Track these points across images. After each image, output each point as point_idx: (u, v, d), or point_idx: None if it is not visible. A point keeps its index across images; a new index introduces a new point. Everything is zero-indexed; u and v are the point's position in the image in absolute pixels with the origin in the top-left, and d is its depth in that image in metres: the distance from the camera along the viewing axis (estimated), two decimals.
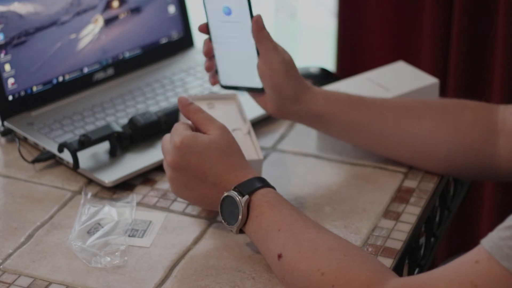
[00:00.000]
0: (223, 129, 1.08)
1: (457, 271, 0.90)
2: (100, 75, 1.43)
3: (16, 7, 1.33)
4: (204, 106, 1.26)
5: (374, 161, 1.27)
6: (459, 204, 1.36)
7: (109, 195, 1.22)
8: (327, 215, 1.17)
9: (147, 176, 1.26)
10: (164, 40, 1.50)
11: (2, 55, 1.32)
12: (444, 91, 1.76)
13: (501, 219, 0.90)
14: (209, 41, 1.21)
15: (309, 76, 1.47)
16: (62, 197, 1.22)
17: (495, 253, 0.86)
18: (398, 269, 1.09)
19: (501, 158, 1.19)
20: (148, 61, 1.48)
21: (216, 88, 1.43)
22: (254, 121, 1.34)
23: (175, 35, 1.51)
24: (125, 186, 1.24)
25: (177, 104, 1.32)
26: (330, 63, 2.05)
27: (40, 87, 1.37)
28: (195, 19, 1.54)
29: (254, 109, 1.31)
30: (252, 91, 1.22)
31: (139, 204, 1.20)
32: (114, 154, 1.27)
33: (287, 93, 1.18)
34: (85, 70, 1.41)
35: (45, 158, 1.28)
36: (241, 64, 1.20)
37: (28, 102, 1.36)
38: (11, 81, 1.34)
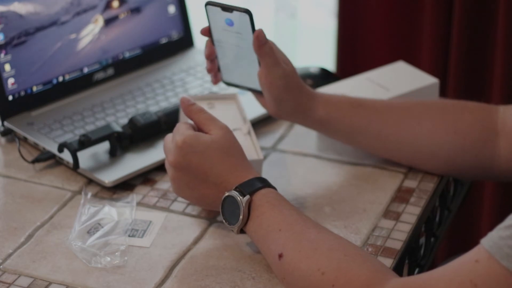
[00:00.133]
0: (225, 129, 1.09)
1: (457, 271, 0.90)
2: (100, 75, 1.43)
3: (16, 7, 1.33)
4: (204, 106, 1.26)
5: (374, 161, 1.27)
6: (459, 204, 1.36)
7: (109, 195, 1.22)
8: (327, 215, 1.17)
9: (147, 176, 1.26)
10: (164, 40, 1.50)
11: (2, 55, 1.32)
12: (444, 91, 1.76)
13: (501, 219, 0.90)
14: (211, 44, 1.20)
15: (309, 76, 1.47)
16: (62, 197, 1.22)
17: (495, 252, 0.86)
18: (398, 269, 1.09)
19: (501, 159, 1.19)
20: (148, 61, 1.48)
21: (216, 88, 1.43)
22: (254, 121, 1.34)
23: (175, 35, 1.51)
24: (125, 186, 1.24)
25: (177, 104, 1.33)
26: (330, 63, 2.05)
27: (40, 87, 1.37)
28: (195, 19, 1.54)
29: (254, 109, 1.31)
30: (253, 91, 1.22)
31: (139, 204, 1.20)
32: (114, 154, 1.27)
33: (288, 103, 1.19)
34: (85, 70, 1.41)
35: (45, 158, 1.28)
36: (242, 68, 1.20)
37: (28, 102, 1.36)
38: (11, 81, 1.34)
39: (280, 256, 0.99)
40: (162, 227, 1.15)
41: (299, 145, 1.33)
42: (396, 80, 1.36)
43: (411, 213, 1.17)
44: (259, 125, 1.35)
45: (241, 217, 1.04)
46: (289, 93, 1.18)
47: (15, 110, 1.35)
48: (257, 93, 1.22)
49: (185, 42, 1.52)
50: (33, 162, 1.27)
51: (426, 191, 1.21)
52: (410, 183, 1.23)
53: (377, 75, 1.38)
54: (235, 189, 1.04)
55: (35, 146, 1.31)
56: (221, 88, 1.42)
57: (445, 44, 1.77)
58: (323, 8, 2.41)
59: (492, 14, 1.70)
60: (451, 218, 1.33)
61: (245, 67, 1.19)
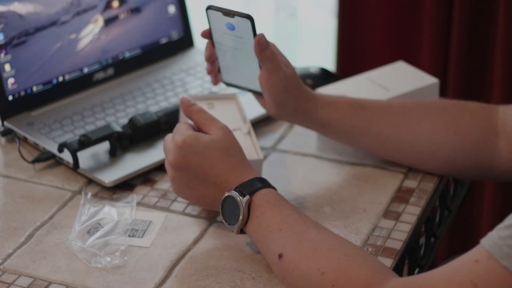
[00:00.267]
0: (225, 129, 1.09)
1: (457, 271, 0.90)
2: (100, 75, 1.43)
3: (16, 7, 1.33)
4: (204, 106, 1.26)
5: (374, 161, 1.27)
6: (459, 204, 1.36)
7: (109, 195, 1.22)
8: (327, 215, 1.17)
9: (147, 176, 1.26)
10: (164, 40, 1.50)
11: (2, 55, 1.32)
12: (444, 91, 1.76)
13: (501, 219, 0.90)
14: (211, 46, 1.20)
15: (309, 76, 1.47)
16: (62, 197, 1.22)
17: (495, 252, 0.87)
18: (398, 269, 1.09)
19: (501, 159, 1.19)
20: (148, 61, 1.48)
21: (216, 88, 1.43)
22: (254, 121, 1.34)
23: (175, 35, 1.51)
24: (125, 186, 1.24)
25: (177, 104, 1.33)
26: (330, 63, 2.05)
27: (40, 87, 1.37)
28: (195, 19, 1.54)
29: (254, 109, 1.31)
30: (253, 92, 1.22)
31: (139, 204, 1.20)
32: (114, 154, 1.27)
33: (288, 105, 1.19)
34: (85, 70, 1.41)
35: (45, 158, 1.28)
36: (243, 69, 1.20)
37: (28, 102, 1.36)
38: (11, 81, 1.34)
39: (280, 256, 0.99)
40: (162, 227, 1.15)
41: (299, 145, 1.33)
42: (396, 80, 1.36)
43: (411, 213, 1.17)
44: (259, 125, 1.35)
45: (241, 217, 1.04)
46: (290, 95, 1.18)
47: (15, 110, 1.35)
48: (257, 94, 1.22)
49: (185, 42, 1.52)
50: (33, 162, 1.27)
51: (426, 191, 1.21)
52: (410, 183, 1.23)
53: (377, 75, 1.38)
54: (235, 189, 1.04)
55: (35, 146, 1.31)
56: (221, 88, 1.42)
57: (445, 44, 1.77)
58: (323, 8, 2.41)
59: (492, 14, 1.70)
60: (451, 218, 1.33)
61: (246, 68, 1.19)
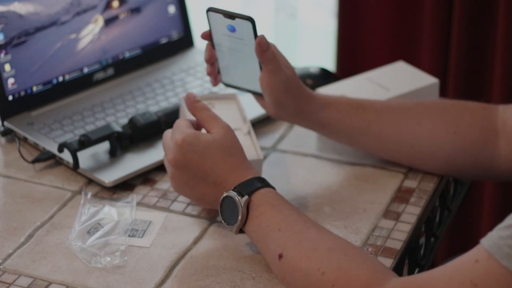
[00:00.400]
0: (227, 128, 1.08)
1: (457, 271, 0.90)
2: (100, 75, 1.43)
3: (16, 7, 1.33)
4: None
5: (374, 161, 1.27)
6: (459, 204, 1.36)
7: (109, 195, 1.22)
8: (327, 215, 1.17)
9: (147, 176, 1.26)
10: (164, 40, 1.50)
11: (2, 55, 1.32)
12: (444, 91, 1.76)
13: (501, 219, 0.90)
14: (211, 47, 1.20)
15: (309, 76, 1.47)
16: (62, 197, 1.22)
17: (495, 252, 0.86)
18: (398, 269, 1.09)
19: (501, 159, 1.19)
20: (148, 61, 1.48)
21: (216, 88, 1.43)
22: (254, 121, 1.34)
23: (175, 35, 1.51)
24: (125, 186, 1.24)
25: (177, 104, 1.33)
26: (330, 63, 2.05)
27: (40, 87, 1.37)
28: (195, 19, 1.54)
29: (254, 109, 1.31)
30: (253, 93, 1.22)
31: (139, 204, 1.20)
32: (114, 154, 1.27)
33: (288, 106, 1.19)
34: (85, 70, 1.41)
35: (45, 158, 1.28)
36: (243, 70, 1.20)
37: (28, 102, 1.36)
38: (11, 81, 1.34)
39: (280, 256, 0.99)
40: (162, 227, 1.15)
41: (299, 145, 1.33)
42: (396, 80, 1.36)
43: (411, 213, 1.17)
44: (259, 125, 1.35)
45: (239, 217, 1.04)
46: (290, 96, 1.18)
47: (15, 110, 1.35)
48: (256, 95, 1.22)
49: (185, 42, 1.52)
50: (33, 162, 1.27)
51: (426, 191, 1.21)
52: (410, 183, 1.23)
53: (377, 75, 1.38)
54: (234, 189, 1.04)
55: (35, 146, 1.31)
56: (221, 88, 1.42)
57: (445, 44, 1.77)
58: (323, 8, 2.41)
59: (492, 14, 1.70)
60: (451, 218, 1.33)
61: (246, 70, 1.19)
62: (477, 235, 1.87)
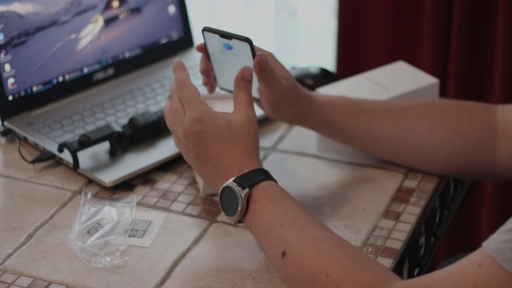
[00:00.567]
0: (248, 118, 1.07)
1: (460, 274, 0.90)
2: (100, 75, 1.43)
3: (16, 7, 1.33)
4: None
5: (374, 161, 1.27)
6: (459, 204, 1.36)
7: (109, 195, 1.22)
8: (327, 215, 1.17)
9: (147, 176, 1.26)
10: (164, 40, 1.50)
11: (2, 55, 1.32)
12: (444, 91, 1.76)
13: (501, 219, 0.90)
14: (206, 59, 1.17)
15: (309, 76, 1.47)
16: (62, 197, 1.22)
17: (497, 256, 0.86)
18: (398, 269, 1.09)
19: (501, 159, 1.19)
20: (148, 61, 1.48)
21: (216, 88, 1.42)
22: None
23: (175, 35, 1.51)
24: (125, 186, 1.24)
25: None
26: (330, 63, 2.05)
27: (40, 87, 1.37)
28: (195, 19, 1.54)
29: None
30: None
31: (139, 204, 1.20)
32: (114, 154, 1.27)
33: (287, 113, 1.18)
34: (85, 70, 1.41)
35: (45, 158, 1.28)
36: None
37: (28, 102, 1.36)
38: (11, 81, 1.34)
39: (283, 254, 0.99)
40: (162, 227, 1.15)
41: (299, 145, 1.33)
42: (396, 80, 1.36)
43: (411, 213, 1.17)
44: (259, 125, 1.35)
45: (239, 208, 1.03)
46: (289, 105, 1.17)
47: (15, 110, 1.35)
48: (255, 99, 1.21)
49: (185, 42, 1.52)
50: (33, 162, 1.27)
51: (426, 191, 1.21)
52: (410, 183, 1.23)
53: (377, 75, 1.38)
54: (235, 180, 1.03)
55: (35, 146, 1.31)
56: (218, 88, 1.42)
57: (445, 44, 1.77)
58: (323, 8, 2.41)
59: (492, 14, 1.70)
60: (451, 218, 1.33)
61: None
62: (477, 235, 1.87)
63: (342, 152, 1.29)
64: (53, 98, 1.38)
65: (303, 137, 1.33)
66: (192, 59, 1.51)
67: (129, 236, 1.13)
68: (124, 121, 1.33)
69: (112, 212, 1.16)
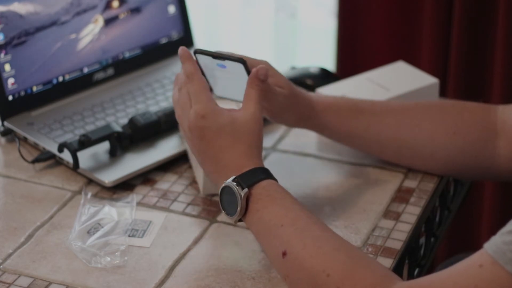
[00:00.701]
0: (254, 115, 1.06)
1: (462, 275, 0.90)
2: (100, 75, 1.43)
3: (16, 7, 1.33)
4: None
5: (374, 161, 1.27)
6: (459, 204, 1.36)
7: (109, 195, 1.22)
8: (327, 215, 1.17)
9: (147, 176, 1.26)
10: (164, 40, 1.50)
11: (2, 55, 1.32)
12: (444, 91, 1.76)
13: (501, 219, 0.90)
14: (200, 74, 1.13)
15: (309, 76, 1.47)
16: (62, 197, 1.22)
17: (499, 257, 0.86)
18: (398, 269, 1.09)
19: (501, 159, 1.19)
20: (148, 61, 1.48)
21: None
22: None
23: (175, 35, 1.51)
24: (125, 186, 1.24)
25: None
26: (330, 63, 2.05)
27: (40, 87, 1.37)
28: (195, 19, 1.54)
29: None
30: None
31: (139, 204, 1.20)
32: (114, 154, 1.27)
33: (287, 118, 1.18)
34: (85, 70, 1.41)
35: (45, 158, 1.28)
36: (235, 88, 1.14)
37: (28, 102, 1.36)
38: (11, 81, 1.34)
39: (284, 253, 0.99)
40: (162, 227, 1.15)
41: (299, 145, 1.33)
42: (396, 80, 1.36)
43: (411, 213, 1.17)
44: None
45: (238, 208, 1.03)
46: (288, 111, 1.17)
47: (15, 110, 1.35)
48: None
49: (185, 42, 1.52)
50: (33, 162, 1.27)
51: (426, 191, 1.21)
52: (410, 183, 1.23)
53: (377, 75, 1.38)
54: (234, 180, 1.03)
55: (35, 146, 1.31)
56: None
57: (445, 44, 1.77)
58: (323, 8, 2.41)
59: (492, 14, 1.70)
60: (451, 218, 1.33)
61: (238, 87, 1.16)
62: (477, 235, 1.87)
63: (342, 152, 1.29)
64: (53, 98, 1.38)
65: (303, 137, 1.33)
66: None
67: (129, 236, 1.13)
68: (124, 121, 1.33)
69: (112, 212, 1.16)
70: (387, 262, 1.08)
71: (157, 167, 1.27)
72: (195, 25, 1.53)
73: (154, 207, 1.20)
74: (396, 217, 1.16)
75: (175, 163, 1.28)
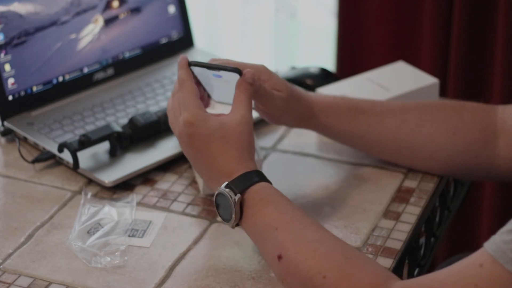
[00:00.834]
0: (243, 119, 1.06)
1: (461, 275, 0.89)
2: (100, 75, 1.43)
3: (16, 7, 1.33)
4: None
5: (374, 161, 1.27)
6: (459, 204, 1.36)
7: (109, 195, 1.22)
8: (327, 215, 1.17)
9: (147, 176, 1.26)
10: (164, 40, 1.50)
11: (2, 55, 1.32)
12: (444, 91, 1.76)
13: (501, 219, 0.90)
14: (197, 84, 1.13)
15: (309, 76, 1.47)
16: (62, 197, 1.22)
17: (499, 256, 0.86)
18: (398, 269, 1.09)
19: (501, 159, 1.19)
20: (148, 61, 1.48)
21: None
22: (254, 121, 1.32)
23: (175, 35, 1.51)
24: (125, 186, 1.24)
25: None
26: (330, 63, 2.05)
27: (40, 87, 1.37)
28: (195, 19, 1.54)
29: (254, 109, 1.31)
30: None
31: (139, 204, 1.20)
32: (114, 154, 1.27)
33: (287, 120, 1.18)
34: (85, 70, 1.41)
35: (45, 158, 1.28)
36: (233, 96, 1.15)
37: (28, 102, 1.36)
38: (11, 81, 1.34)
39: (279, 257, 0.99)
40: (162, 227, 1.15)
41: (299, 145, 1.33)
42: (396, 80, 1.36)
43: (411, 213, 1.17)
44: (259, 125, 1.35)
45: (233, 215, 1.03)
46: (288, 113, 1.17)
47: (15, 110, 1.35)
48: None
49: (185, 42, 1.52)
50: (33, 162, 1.27)
51: (426, 191, 1.21)
52: (410, 183, 1.23)
53: (377, 75, 1.38)
54: (226, 186, 1.03)
55: (35, 146, 1.31)
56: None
57: (445, 44, 1.77)
58: (323, 8, 2.41)
59: (492, 14, 1.70)
60: (451, 218, 1.33)
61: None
62: (477, 235, 1.87)
63: (342, 152, 1.30)
64: (53, 98, 1.38)
65: (303, 137, 1.33)
66: (192, 59, 1.50)
67: (129, 236, 1.13)
68: (124, 121, 1.33)
69: (112, 212, 1.16)
70: (387, 262, 1.08)
71: (157, 167, 1.27)
72: (195, 25, 1.53)
73: (154, 207, 1.20)
74: (396, 217, 1.16)
75: (175, 163, 1.28)
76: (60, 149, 1.26)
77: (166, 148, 1.29)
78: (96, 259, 1.09)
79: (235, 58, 1.16)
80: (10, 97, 1.34)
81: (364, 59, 1.91)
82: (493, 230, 0.91)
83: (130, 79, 1.45)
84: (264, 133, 1.35)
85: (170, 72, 1.47)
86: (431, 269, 1.00)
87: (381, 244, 1.11)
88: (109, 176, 1.23)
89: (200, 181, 1.22)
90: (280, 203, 1.03)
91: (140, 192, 1.23)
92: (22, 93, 1.35)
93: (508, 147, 1.18)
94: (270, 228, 1.01)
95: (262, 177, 1.05)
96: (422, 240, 1.22)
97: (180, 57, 1.11)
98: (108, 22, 1.42)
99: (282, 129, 1.36)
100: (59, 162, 1.28)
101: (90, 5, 1.40)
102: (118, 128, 1.28)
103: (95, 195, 1.22)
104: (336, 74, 1.69)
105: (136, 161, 1.27)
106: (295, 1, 2.36)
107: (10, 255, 1.11)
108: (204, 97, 1.14)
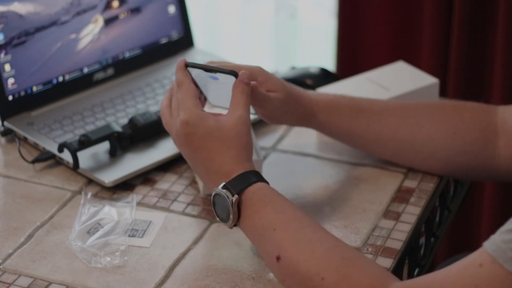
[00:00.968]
0: (240, 119, 1.06)
1: (461, 274, 0.89)
2: (100, 75, 1.43)
3: (16, 7, 1.33)
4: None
5: (374, 161, 1.27)
6: (459, 204, 1.36)
7: (109, 195, 1.22)
8: (327, 215, 1.17)
9: (147, 176, 1.26)
10: (164, 40, 1.50)
11: (2, 55, 1.32)
12: (444, 91, 1.76)
13: (501, 219, 0.90)
14: (193, 85, 1.12)
15: (309, 76, 1.47)
16: (62, 197, 1.22)
17: (498, 256, 0.86)
18: (398, 269, 1.09)
19: (501, 159, 1.19)
20: (148, 61, 1.48)
21: None
22: (254, 121, 1.33)
23: (175, 35, 1.51)
24: (125, 186, 1.24)
25: None
26: (330, 63, 2.05)
27: (40, 87, 1.37)
28: (195, 19, 1.54)
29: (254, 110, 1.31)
30: None
31: (139, 204, 1.20)
32: (114, 154, 1.27)
33: (287, 120, 1.18)
34: (85, 70, 1.41)
35: (45, 158, 1.28)
36: (229, 99, 1.15)
37: (28, 102, 1.36)
38: (11, 81, 1.34)
39: (278, 258, 0.98)
40: (162, 227, 1.15)
41: (299, 145, 1.33)
42: (396, 80, 1.36)
43: (411, 213, 1.17)
44: (259, 125, 1.35)
45: (231, 216, 1.03)
46: (287, 114, 1.17)
47: (15, 110, 1.35)
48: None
49: (185, 42, 1.52)
50: (33, 162, 1.27)
51: (426, 191, 1.21)
52: (410, 183, 1.23)
53: (377, 75, 1.39)
54: (224, 187, 1.03)
55: (35, 146, 1.31)
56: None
57: (445, 44, 1.77)
58: (323, 8, 2.41)
59: (492, 14, 1.70)
60: (451, 218, 1.33)
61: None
62: (477, 235, 1.87)
63: (342, 152, 1.30)
64: (53, 98, 1.38)
65: (303, 137, 1.34)
66: (192, 59, 1.50)
67: (129, 236, 1.13)
68: (124, 121, 1.33)
69: (112, 212, 1.16)
70: (387, 262, 1.08)
71: (157, 167, 1.27)
72: (195, 25, 1.53)
73: (154, 207, 1.20)
74: (396, 217, 1.16)
75: (175, 163, 1.28)
76: (60, 149, 1.26)
77: (166, 148, 1.29)
78: (96, 259, 1.09)
79: (235, 58, 1.16)
80: (10, 97, 1.34)
81: (364, 59, 1.91)
82: (493, 230, 0.91)
83: (130, 79, 1.45)
84: (264, 133, 1.35)
85: (170, 72, 1.47)
86: (431, 269, 1.00)
87: (381, 244, 1.11)
88: (109, 176, 1.23)
89: (200, 181, 1.22)
90: (278, 203, 1.03)
91: (140, 192, 1.23)
92: (22, 93, 1.35)
93: (508, 147, 1.18)
94: (268, 229, 1.00)
95: (259, 178, 1.05)
96: (422, 240, 1.22)
97: (179, 60, 1.12)
98: (108, 22, 1.42)
99: (282, 129, 1.36)
100: (59, 162, 1.28)
101: (90, 5, 1.40)
102: (118, 128, 1.28)
103: (95, 195, 1.22)
104: (336, 74, 1.69)
105: (136, 161, 1.27)
106: (295, 1, 2.36)
107: (10, 255, 1.11)
108: (201, 99, 1.14)
